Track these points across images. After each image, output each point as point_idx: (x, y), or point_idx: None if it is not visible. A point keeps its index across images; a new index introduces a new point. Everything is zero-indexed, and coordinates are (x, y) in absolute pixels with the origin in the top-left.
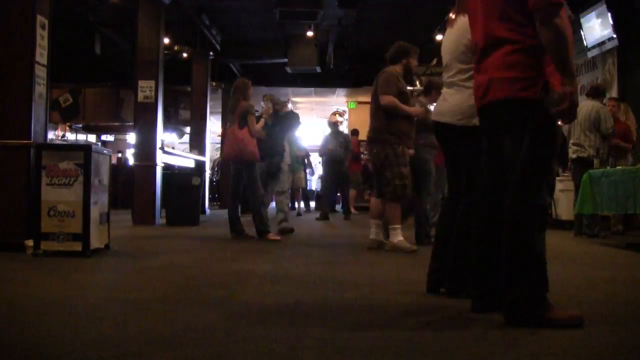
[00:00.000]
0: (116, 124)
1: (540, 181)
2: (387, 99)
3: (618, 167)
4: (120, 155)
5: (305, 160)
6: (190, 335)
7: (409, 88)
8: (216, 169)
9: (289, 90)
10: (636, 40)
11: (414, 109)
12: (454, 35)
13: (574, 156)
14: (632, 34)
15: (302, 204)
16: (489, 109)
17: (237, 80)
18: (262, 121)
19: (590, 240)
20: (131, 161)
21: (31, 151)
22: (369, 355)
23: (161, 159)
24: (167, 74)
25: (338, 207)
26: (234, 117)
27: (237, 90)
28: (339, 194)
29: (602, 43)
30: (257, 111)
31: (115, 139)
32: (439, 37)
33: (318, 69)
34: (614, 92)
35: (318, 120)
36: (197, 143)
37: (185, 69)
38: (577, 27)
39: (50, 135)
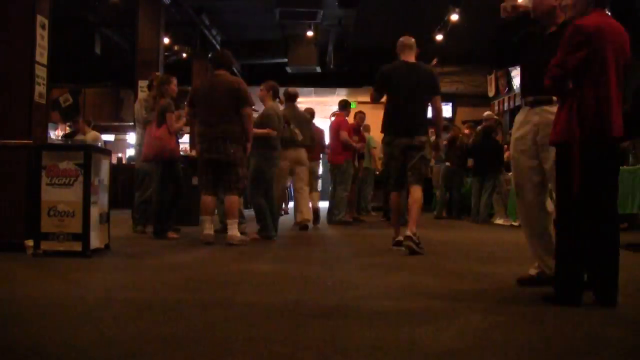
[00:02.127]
0: (116, 124)
1: None
2: None
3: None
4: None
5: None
6: (190, 335)
7: None
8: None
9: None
10: (635, 41)
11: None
12: None
13: None
14: (631, 33)
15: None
16: None
17: (160, 76)
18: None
19: None
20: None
21: (31, 151)
22: (369, 355)
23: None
24: (167, 74)
25: None
26: (153, 115)
27: (155, 87)
28: None
29: None
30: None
31: (115, 139)
32: (439, 37)
33: (318, 69)
34: None
35: (318, 120)
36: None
37: (185, 69)
38: None
39: (50, 135)
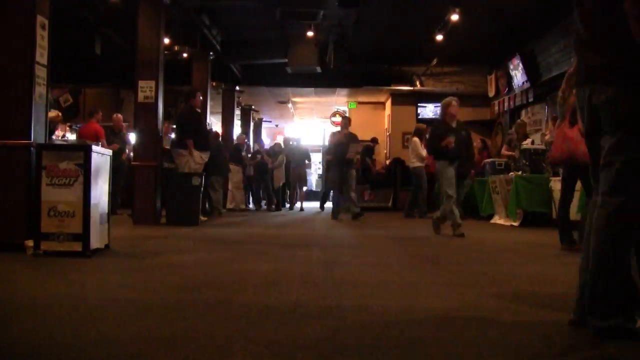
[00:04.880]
0: None
1: None
2: None
3: None
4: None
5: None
6: (190, 336)
7: None
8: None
9: (289, 90)
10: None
11: None
12: None
13: None
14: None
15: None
16: None
17: None
18: None
19: None
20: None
21: (31, 151)
22: (369, 355)
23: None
24: (167, 74)
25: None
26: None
27: None
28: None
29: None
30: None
31: None
32: (439, 37)
33: (318, 69)
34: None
35: (318, 120)
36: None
37: (185, 69)
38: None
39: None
